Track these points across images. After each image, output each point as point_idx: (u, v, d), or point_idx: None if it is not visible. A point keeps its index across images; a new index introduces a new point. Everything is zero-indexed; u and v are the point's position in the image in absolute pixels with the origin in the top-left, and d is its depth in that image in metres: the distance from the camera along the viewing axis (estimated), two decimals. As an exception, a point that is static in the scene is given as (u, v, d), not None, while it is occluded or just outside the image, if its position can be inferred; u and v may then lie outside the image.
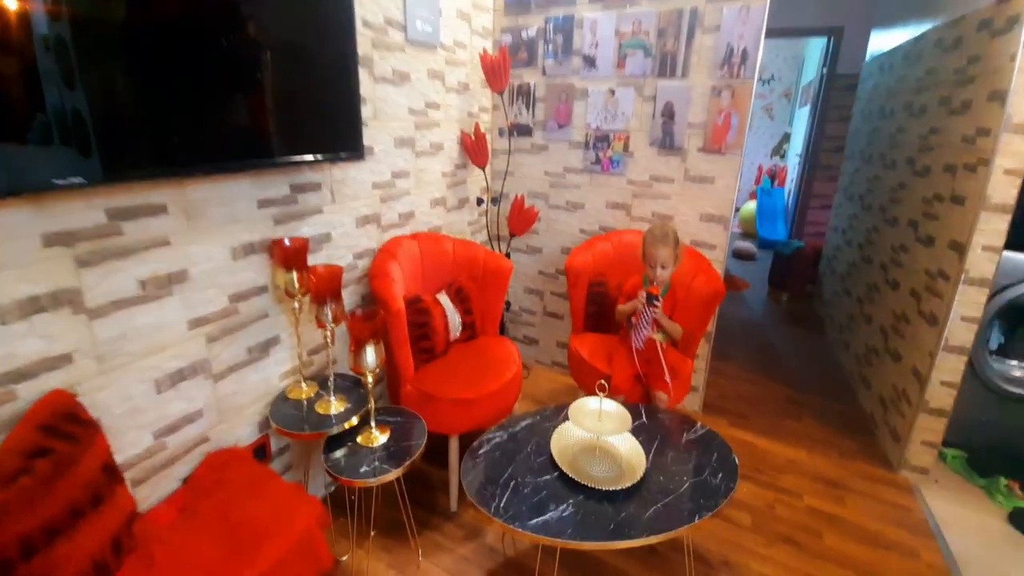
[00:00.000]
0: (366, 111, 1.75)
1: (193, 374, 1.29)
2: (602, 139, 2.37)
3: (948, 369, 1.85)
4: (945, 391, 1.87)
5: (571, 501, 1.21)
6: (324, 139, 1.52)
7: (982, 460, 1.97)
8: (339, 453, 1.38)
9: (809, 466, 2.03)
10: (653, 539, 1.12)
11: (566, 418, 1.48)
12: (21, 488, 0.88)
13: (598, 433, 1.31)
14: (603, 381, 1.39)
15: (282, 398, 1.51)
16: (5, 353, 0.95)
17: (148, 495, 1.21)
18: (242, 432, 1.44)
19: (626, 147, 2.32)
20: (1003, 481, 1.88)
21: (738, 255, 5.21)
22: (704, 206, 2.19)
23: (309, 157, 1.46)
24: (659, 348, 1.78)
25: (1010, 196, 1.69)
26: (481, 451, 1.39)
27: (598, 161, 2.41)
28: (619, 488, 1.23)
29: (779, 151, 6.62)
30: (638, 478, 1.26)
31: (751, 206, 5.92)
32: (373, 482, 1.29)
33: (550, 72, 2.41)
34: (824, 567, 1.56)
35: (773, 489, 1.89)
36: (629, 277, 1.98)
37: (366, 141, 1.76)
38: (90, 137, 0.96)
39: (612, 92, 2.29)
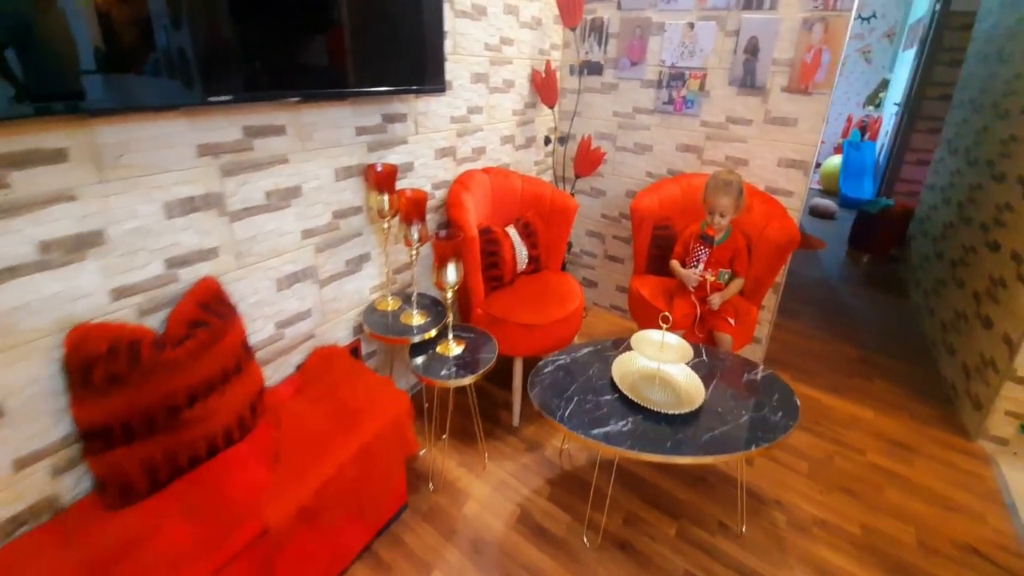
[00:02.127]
0: (447, 45, 1.80)
1: (304, 278, 1.48)
2: (677, 77, 2.29)
3: (1043, 333, 1.74)
4: (1036, 357, 1.77)
5: (630, 419, 1.32)
6: (411, 71, 1.60)
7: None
8: (421, 359, 1.56)
9: (876, 425, 2.00)
10: (708, 459, 1.21)
11: (628, 348, 1.58)
12: (187, 349, 1.10)
13: (659, 361, 1.39)
14: (666, 314, 1.45)
15: (371, 309, 1.71)
16: (171, 243, 1.15)
17: (271, 375, 1.45)
18: (341, 333, 1.66)
19: (702, 86, 2.23)
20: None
21: (816, 213, 4.88)
22: (784, 150, 2.10)
23: (399, 88, 1.56)
24: (707, 286, 1.80)
25: None
26: (546, 370, 1.52)
27: (671, 101, 2.33)
28: (677, 412, 1.32)
29: (874, 100, 5.95)
30: (696, 406, 1.34)
31: (834, 161, 5.45)
32: (452, 383, 1.46)
33: (626, 5, 2.32)
34: (882, 518, 1.57)
35: (834, 442, 1.89)
36: (695, 222, 1.98)
37: (446, 75, 1.82)
38: (229, 62, 1.10)
39: (691, 26, 2.18)
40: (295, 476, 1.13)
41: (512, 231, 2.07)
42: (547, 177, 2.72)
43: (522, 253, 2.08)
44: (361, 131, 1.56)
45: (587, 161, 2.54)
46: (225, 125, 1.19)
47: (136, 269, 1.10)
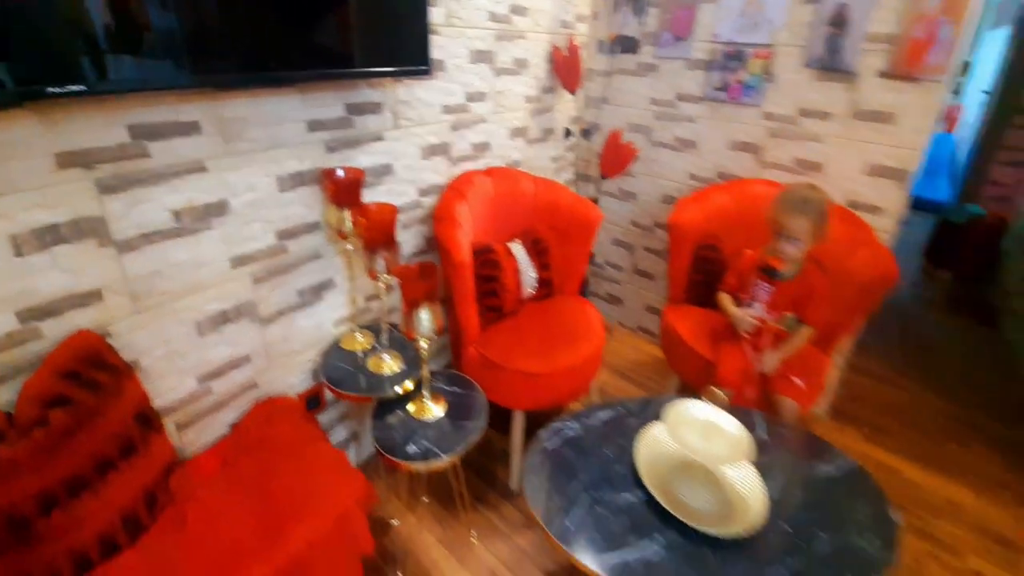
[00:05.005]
0: (436, 15, 1.41)
1: (238, 316, 1.16)
2: (734, 57, 1.82)
3: None
4: None
5: (660, 538, 0.94)
6: (383, 48, 1.22)
7: None
8: (391, 419, 1.22)
9: (976, 513, 1.56)
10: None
11: (658, 417, 1.18)
12: (34, 442, 0.78)
13: (706, 457, 1.00)
14: (716, 389, 1.05)
15: (336, 347, 1.37)
16: (22, 289, 0.83)
17: (195, 439, 1.15)
18: (294, 379, 1.34)
19: (767, 68, 1.76)
20: None
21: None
22: (874, 154, 1.62)
23: (366, 70, 1.19)
24: (766, 334, 1.38)
25: None
26: (548, 444, 1.15)
27: (725, 86, 1.87)
28: (729, 534, 0.93)
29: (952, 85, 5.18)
30: (755, 525, 0.95)
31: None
32: (420, 467, 1.11)
33: (673, -37, 1.86)
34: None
35: (925, 538, 1.47)
36: (752, 244, 1.53)
37: (436, 53, 1.44)
38: (90, 37, 0.75)
39: (758, -11, 1.71)
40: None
41: (518, 248, 1.69)
42: (567, 176, 2.31)
43: (529, 275, 1.70)
44: (316, 126, 1.20)
45: (616, 158, 2.12)
46: (100, 125, 0.85)
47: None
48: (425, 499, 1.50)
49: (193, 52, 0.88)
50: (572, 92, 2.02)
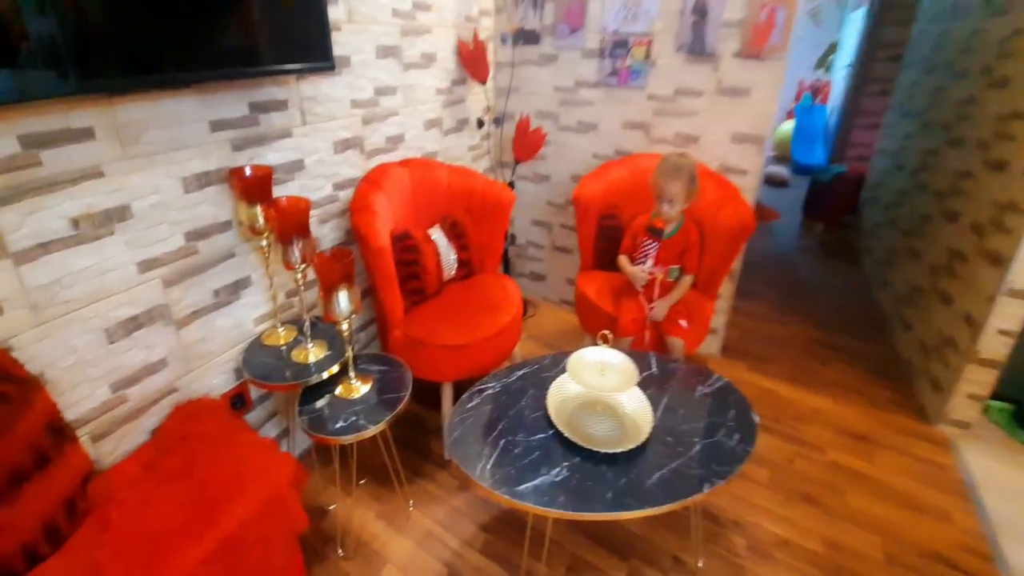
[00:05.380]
0: (336, 12, 1.46)
1: (150, 321, 1.17)
2: (620, 45, 2.02)
3: (1008, 315, 1.62)
4: (1001, 340, 1.66)
5: (566, 464, 1.10)
6: (285, 45, 1.27)
7: (1031, 415, 1.80)
8: (319, 403, 1.29)
9: (835, 416, 1.89)
10: (655, 511, 1.02)
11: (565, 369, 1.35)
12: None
13: (600, 389, 1.17)
14: (606, 332, 1.23)
15: (257, 344, 1.40)
16: (-93, 305, 0.83)
17: (113, 449, 1.15)
18: (216, 380, 1.35)
19: (648, 54, 1.97)
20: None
21: (769, 181, 4.79)
22: (737, 124, 1.88)
23: (265, 68, 1.23)
24: (656, 285, 1.62)
25: None
26: (471, 404, 1.28)
27: (615, 72, 2.07)
28: (621, 451, 1.11)
29: (824, 63, 5.85)
30: (643, 439, 1.14)
31: (786, 127, 5.36)
32: (349, 439, 1.19)
33: (560, -41, 2.01)
34: (846, 529, 1.45)
35: (794, 442, 1.77)
36: (646, 211, 1.75)
37: (340, 49, 1.50)
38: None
39: (634, -16, 1.90)
40: (125, 600, 0.85)
41: (437, 233, 1.79)
42: (484, 164, 2.43)
43: (450, 258, 1.81)
44: (219, 125, 1.23)
45: (526, 144, 2.26)
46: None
47: None
48: (362, 481, 1.58)
49: (77, 58, 0.88)
50: (481, 82, 2.13)
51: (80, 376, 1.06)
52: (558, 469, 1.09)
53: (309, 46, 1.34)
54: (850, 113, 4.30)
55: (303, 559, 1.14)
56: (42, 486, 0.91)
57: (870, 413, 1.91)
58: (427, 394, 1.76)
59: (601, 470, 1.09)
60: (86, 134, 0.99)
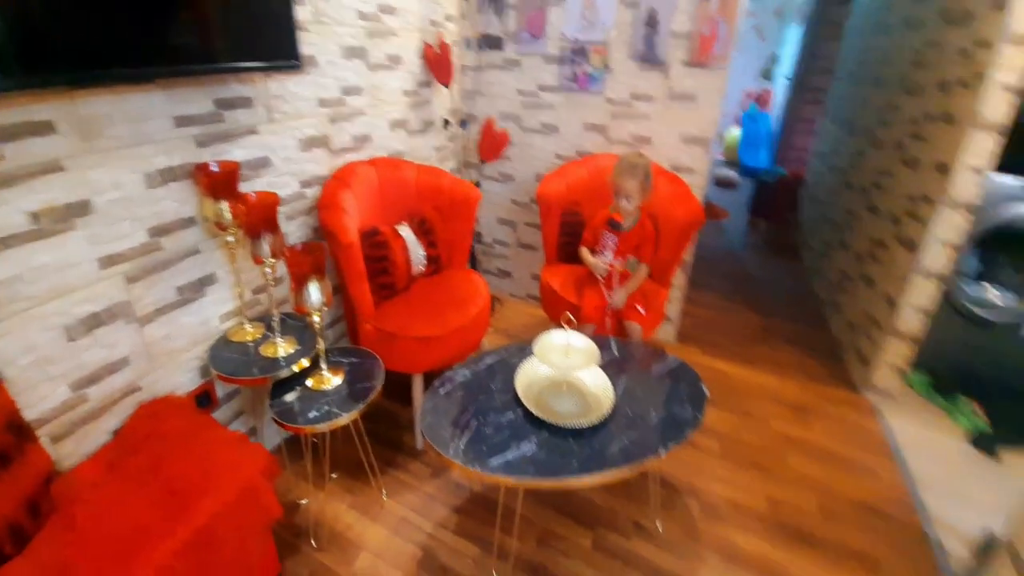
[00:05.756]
0: (303, 12, 1.49)
1: (112, 318, 1.15)
2: (579, 52, 2.13)
3: (921, 293, 1.83)
4: (916, 315, 1.87)
5: (535, 439, 1.17)
6: (250, 44, 1.28)
7: (947, 383, 2.02)
8: (289, 397, 1.30)
9: (777, 391, 2.06)
10: (618, 472, 1.10)
11: (532, 353, 1.42)
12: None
13: (565, 369, 1.25)
14: (569, 314, 1.31)
15: (224, 341, 1.40)
16: None
17: (73, 451, 1.12)
18: (181, 379, 1.34)
19: (605, 61, 2.09)
20: (964, 401, 1.93)
21: (720, 183, 5.09)
22: (686, 127, 2.03)
23: (230, 65, 1.24)
24: (615, 275, 1.72)
25: (1004, 114, 1.58)
26: (442, 390, 1.33)
27: (575, 78, 2.18)
28: (585, 424, 1.19)
29: (767, 73, 6.27)
30: (605, 413, 1.22)
31: (735, 133, 5.69)
32: (322, 428, 1.22)
33: (520, -31, 2.11)
34: (786, 489, 1.60)
35: (742, 415, 1.92)
36: (605, 207, 1.85)
37: (307, 49, 1.52)
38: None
39: (591, -4, 2.02)
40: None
41: (405, 230, 1.83)
42: (451, 164, 2.48)
43: (418, 254, 1.85)
44: (183, 121, 1.23)
45: (491, 145, 2.34)
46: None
47: None
48: (334, 475, 1.59)
49: (18, 52, 0.86)
50: (446, 85, 2.18)
51: (39, 375, 1.03)
52: (527, 444, 1.16)
53: (275, 45, 1.36)
54: (790, 120, 4.64)
55: (276, 552, 1.15)
56: (4, 485, 0.89)
57: (807, 386, 2.10)
58: (398, 389, 1.79)
59: (568, 443, 1.16)
60: (46, 127, 0.98)
